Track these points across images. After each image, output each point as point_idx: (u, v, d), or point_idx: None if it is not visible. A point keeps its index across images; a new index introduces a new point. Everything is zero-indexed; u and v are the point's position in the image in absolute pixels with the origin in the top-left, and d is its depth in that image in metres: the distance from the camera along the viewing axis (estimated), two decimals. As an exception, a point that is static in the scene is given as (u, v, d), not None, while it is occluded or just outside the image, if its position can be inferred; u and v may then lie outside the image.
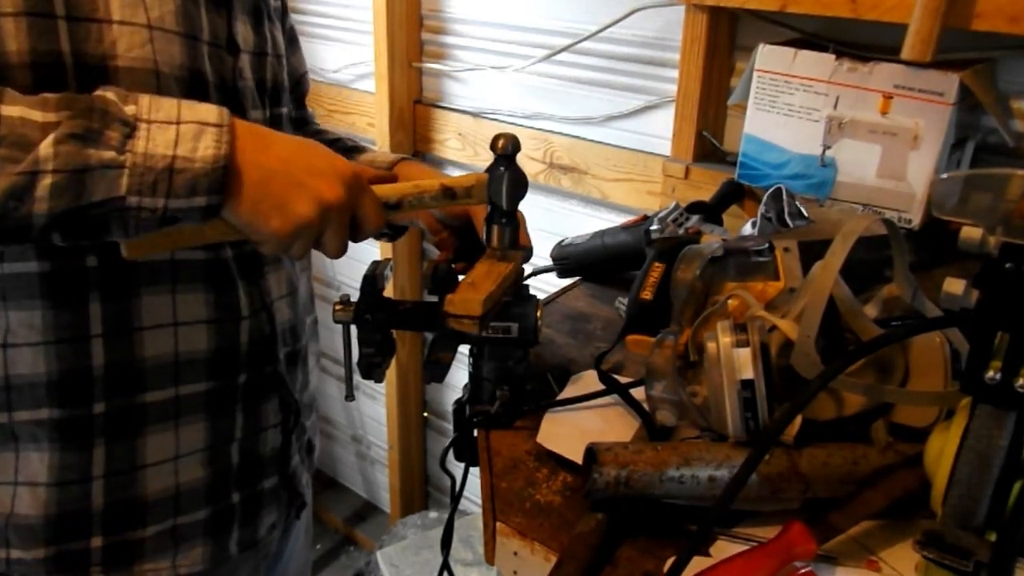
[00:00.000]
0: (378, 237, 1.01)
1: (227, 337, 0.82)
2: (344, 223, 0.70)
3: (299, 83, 1.02)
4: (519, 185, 0.79)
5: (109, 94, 0.63)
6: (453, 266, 0.86)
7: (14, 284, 0.72)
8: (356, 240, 0.73)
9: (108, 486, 0.79)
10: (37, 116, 0.60)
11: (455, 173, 1.92)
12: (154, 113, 0.63)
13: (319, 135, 1.01)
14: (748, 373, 0.69)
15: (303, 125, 1.05)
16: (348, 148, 1.01)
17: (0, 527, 0.79)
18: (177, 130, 0.63)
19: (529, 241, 0.89)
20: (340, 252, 0.72)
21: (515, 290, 0.84)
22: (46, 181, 0.59)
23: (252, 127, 0.68)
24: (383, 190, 0.75)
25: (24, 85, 0.65)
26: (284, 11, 0.94)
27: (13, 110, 0.59)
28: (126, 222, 0.63)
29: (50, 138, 0.59)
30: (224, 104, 0.76)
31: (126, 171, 0.61)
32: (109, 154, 0.61)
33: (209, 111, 0.65)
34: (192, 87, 0.74)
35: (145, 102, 0.63)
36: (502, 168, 0.78)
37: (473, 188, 0.78)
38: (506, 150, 0.78)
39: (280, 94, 0.88)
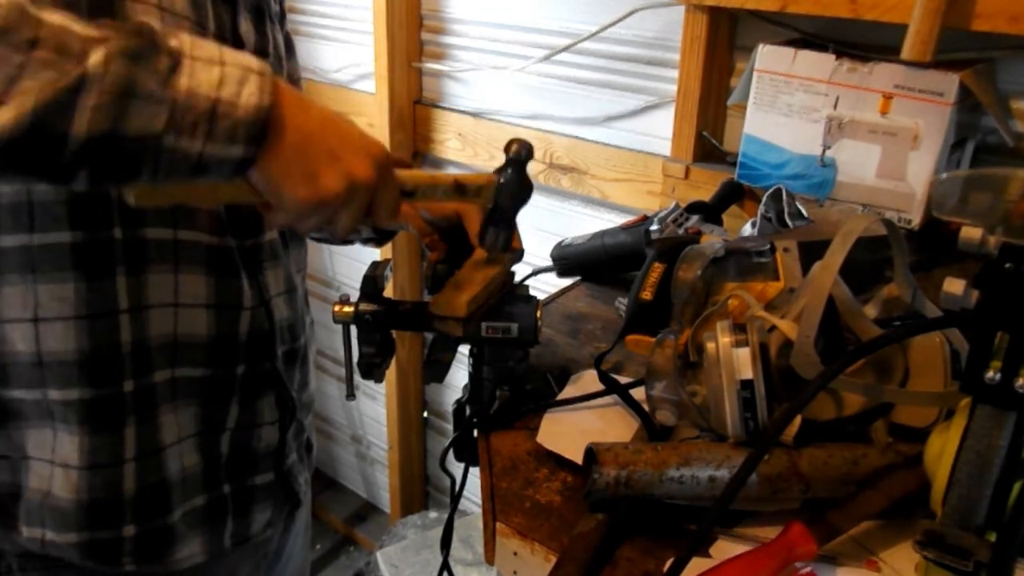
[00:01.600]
0: (364, 242, 1.01)
1: (227, 324, 0.82)
2: (364, 204, 0.67)
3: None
4: (524, 191, 0.79)
5: (153, 22, 0.60)
6: (439, 266, 0.86)
7: (44, 256, 0.71)
8: (367, 224, 0.71)
9: (139, 469, 0.78)
10: (78, 28, 0.55)
11: (455, 172, 1.93)
12: (197, 50, 0.59)
13: None
14: (747, 373, 0.69)
15: None
16: None
17: (37, 505, 0.78)
18: (222, 71, 0.59)
19: (520, 244, 0.88)
20: (348, 233, 0.70)
21: (503, 292, 0.84)
22: (91, 100, 0.54)
23: (290, 87, 0.65)
24: (402, 175, 0.74)
25: None
26: (283, 16, 0.94)
27: (54, 17, 0.55)
28: (157, 163, 0.58)
29: (101, 53, 0.55)
30: None
31: (167, 106, 0.57)
32: (154, 85, 0.56)
33: (250, 59, 0.61)
34: None
35: (186, 38, 0.59)
36: (511, 172, 0.78)
37: (483, 188, 0.77)
38: (519, 155, 0.78)
39: None
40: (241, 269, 0.82)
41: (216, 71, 0.59)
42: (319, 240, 1.05)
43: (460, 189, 0.77)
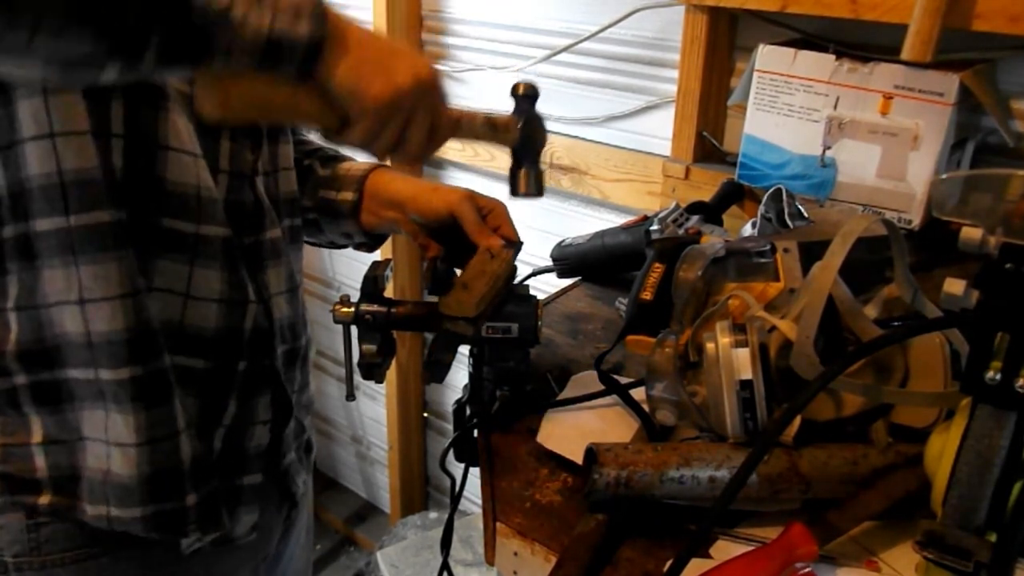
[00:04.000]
0: (356, 246, 1.01)
1: (233, 318, 0.82)
2: (431, 109, 0.69)
3: None
4: (542, 130, 0.81)
5: None
6: (439, 265, 0.86)
7: (84, 237, 0.71)
8: (435, 145, 0.72)
9: (192, 439, 0.79)
10: None
11: (456, 173, 1.93)
12: None
13: (300, 145, 1.01)
14: (747, 373, 0.69)
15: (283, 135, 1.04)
16: (328, 157, 1.00)
17: (99, 483, 0.79)
18: None
19: (518, 236, 0.90)
20: (422, 148, 0.71)
21: (508, 288, 0.84)
22: None
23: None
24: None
25: None
26: None
27: None
28: (228, 40, 0.58)
29: None
30: None
31: None
32: None
33: None
34: None
35: None
36: (529, 111, 0.80)
37: (507, 126, 0.80)
38: (528, 92, 0.80)
39: None
40: (240, 264, 0.82)
41: None
42: (315, 244, 1.05)
43: (491, 125, 0.79)
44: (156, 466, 0.78)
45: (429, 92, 0.69)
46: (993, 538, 0.55)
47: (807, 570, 0.62)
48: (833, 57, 1.12)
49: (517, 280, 0.89)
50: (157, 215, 0.74)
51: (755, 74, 1.19)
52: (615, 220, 1.40)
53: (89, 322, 0.74)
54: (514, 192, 0.83)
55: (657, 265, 0.95)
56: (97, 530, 0.80)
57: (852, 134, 1.13)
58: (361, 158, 0.98)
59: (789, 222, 1.06)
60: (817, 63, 1.13)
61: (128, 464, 0.77)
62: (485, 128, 0.78)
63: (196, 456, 0.80)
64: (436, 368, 0.83)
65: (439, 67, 0.71)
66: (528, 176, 0.82)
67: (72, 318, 0.73)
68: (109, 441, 0.77)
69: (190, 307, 0.79)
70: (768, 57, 1.17)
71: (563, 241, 1.25)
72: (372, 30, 0.68)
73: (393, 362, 0.94)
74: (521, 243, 0.90)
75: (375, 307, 0.83)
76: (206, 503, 0.82)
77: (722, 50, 1.35)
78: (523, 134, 0.80)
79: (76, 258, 0.72)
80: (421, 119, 0.69)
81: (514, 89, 0.81)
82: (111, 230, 0.72)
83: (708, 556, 0.67)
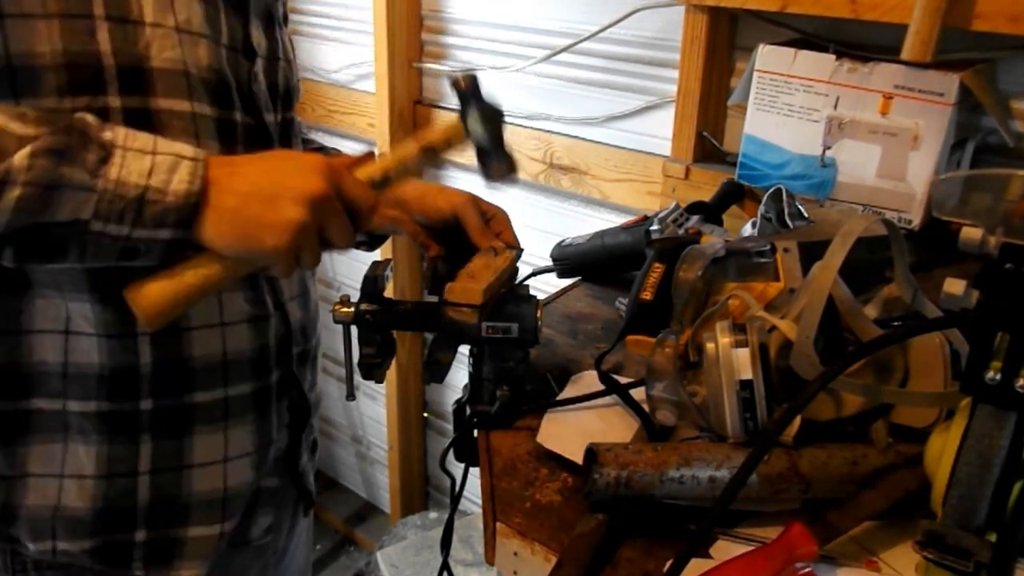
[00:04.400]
0: (357, 246, 1.01)
1: (262, 335, 0.83)
2: (339, 211, 0.68)
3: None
4: (493, 115, 0.77)
5: (89, 117, 0.63)
6: (439, 265, 0.86)
7: (65, 277, 0.72)
8: (360, 227, 0.71)
9: (154, 482, 0.79)
10: (16, 128, 0.59)
11: (456, 175, 1.93)
12: (130, 141, 0.63)
13: (306, 144, 1.01)
14: (747, 373, 0.69)
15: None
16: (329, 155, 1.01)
17: (47, 519, 0.79)
18: (153, 160, 0.62)
19: (518, 242, 0.90)
20: (349, 241, 0.70)
21: (510, 286, 0.84)
22: (14, 193, 0.58)
23: (221, 158, 0.68)
24: (365, 171, 0.74)
25: (58, 86, 0.65)
26: (285, 18, 0.95)
27: None
28: (84, 246, 0.63)
29: (27, 150, 0.59)
30: (242, 107, 0.76)
31: (96, 195, 0.61)
32: (82, 176, 0.60)
33: (185, 147, 0.65)
34: (218, 89, 0.74)
35: (122, 131, 0.63)
36: (472, 104, 0.76)
37: (451, 136, 0.76)
38: (469, 86, 0.76)
39: (291, 98, 0.88)
40: (260, 278, 0.82)
41: (147, 160, 0.62)
42: None
43: (430, 152, 0.76)
44: (111, 501, 0.78)
45: (327, 202, 0.67)
46: (993, 538, 0.55)
47: (807, 570, 0.62)
48: (833, 57, 1.12)
49: (517, 280, 0.89)
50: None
51: (755, 74, 1.19)
52: (615, 220, 1.40)
53: (69, 352, 0.74)
54: (487, 179, 0.80)
55: (657, 265, 0.95)
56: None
57: (852, 134, 1.13)
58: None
59: (789, 222, 1.06)
60: (817, 63, 1.13)
61: (84, 496, 0.78)
62: (424, 159, 0.75)
63: (155, 497, 0.80)
64: (436, 368, 0.83)
65: (326, 162, 0.69)
66: (498, 163, 0.78)
67: (53, 347, 0.74)
68: (64, 474, 0.77)
69: (228, 334, 0.79)
70: (768, 57, 1.17)
71: (563, 241, 1.25)
72: (252, 168, 0.67)
73: (393, 362, 0.94)
74: (522, 250, 0.90)
75: (375, 307, 0.83)
76: (155, 542, 0.81)
77: (722, 50, 1.35)
78: (478, 126, 0.76)
79: (62, 293, 0.73)
80: (336, 224, 0.68)
81: (454, 84, 0.77)
82: (83, 273, 0.72)
83: (708, 556, 0.67)
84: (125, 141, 0.63)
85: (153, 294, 0.66)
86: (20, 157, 0.58)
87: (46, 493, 0.78)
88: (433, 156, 0.76)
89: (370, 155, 0.77)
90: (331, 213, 0.67)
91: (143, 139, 0.64)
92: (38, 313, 0.74)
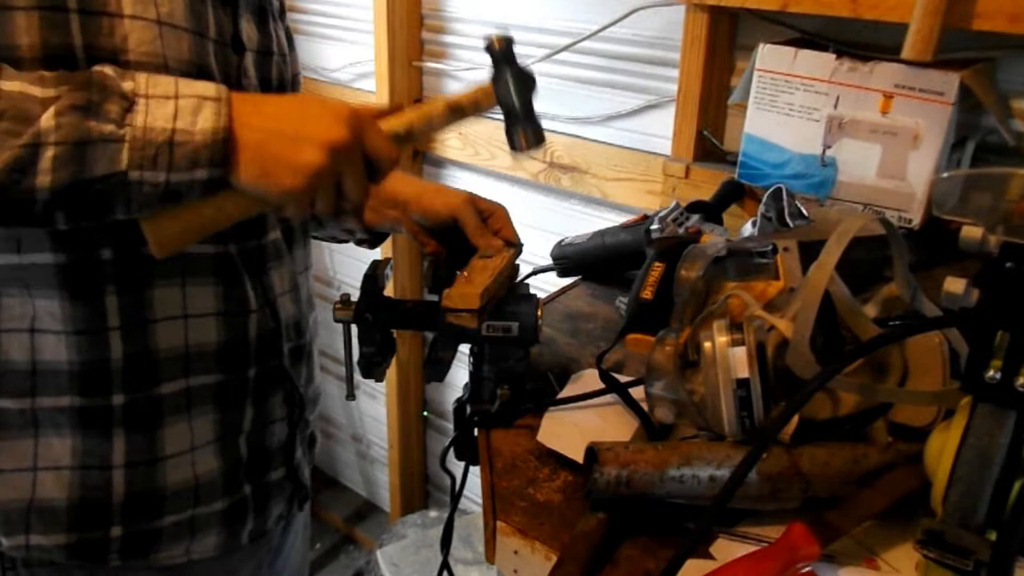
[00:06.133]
0: (358, 243, 1.01)
1: (236, 330, 0.82)
2: (357, 162, 0.69)
3: (293, 85, 1.03)
4: (526, 80, 0.76)
5: (108, 69, 0.63)
6: (439, 265, 0.86)
7: (34, 274, 0.73)
8: (375, 180, 0.72)
9: (128, 476, 0.79)
10: (36, 91, 0.60)
11: (456, 174, 1.93)
12: (152, 88, 0.64)
13: None
14: (743, 372, 0.69)
15: None
16: None
17: (21, 512, 0.78)
18: (176, 104, 0.63)
19: (518, 237, 0.89)
20: (363, 195, 0.71)
21: (509, 285, 0.84)
22: (48, 153, 0.60)
23: (244, 95, 0.69)
24: (389, 123, 0.73)
25: None
26: (282, 12, 0.94)
27: (13, 85, 0.60)
28: (129, 198, 0.63)
29: (51, 110, 0.60)
30: None
31: (126, 145, 0.62)
32: (109, 127, 0.61)
33: (207, 87, 0.65)
34: None
35: (143, 78, 0.64)
36: (506, 68, 0.75)
37: (480, 99, 0.76)
38: (503, 47, 0.76)
39: (286, 92, 0.88)
40: (244, 274, 0.82)
41: (171, 105, 0.63)
42: (320, 238, 1.05)
43: (457, 111, 0.75)
44: (87, 492, 0.78)
45: (347, 150, 0.67)
46: (993, 536, 0.55)
47: (807, 569, 0.62)
48: (833, 56, 1.12)
49: (518, 279, 0.89)
50: (134, 245, 0.73)
51: (755, 73, 1.19)
52: (615, 219, 1.40)
53: (36, 351, 0.74)
54: (514, 148, 0.79)
55: (657, 264, 0.95)
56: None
57: (852, 133, 1.13)
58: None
59: (789, 221, 1.06)
60: (817, 62, 1.13)
61: (60, 486, 0.77)
62: (449, 117, 0.74)
63: (129, 492, 0.80)
64: (436, 367, 0.83)
65: (351, 110, 0.69)
66: (525, 130, 0.78)
67: (20, 346, 0.75)
68: (38, 467, 0.77)
69: (191, 326, 0.79)
70: (768, 56, 1.17)
71: (563, 240, 1.25)
72: (277, 108, 0.68)
73: (393, 361, 0.94)
74: (521, 245, 0.90)
75: (375, 306, 0.83)
76: (131, 536, 0.81)
77: (723, 49, 1.35)
78: (509, 91, 0.75)
79: (30, 291, 0.73)
80: (352, 173, 0.69)
81: (488, 46, 0.76)
82: (54, 271, 0.72)
83: (709, 555, 0.67)
84: (147, 88, 0.64)
85: (168, 222, 0.67)
86: (47, 119, 0.60)
87: (18, 487, 0.78)
88: (460, 116, 0.75)
89: (399, 107, 0.77)
90: (350, 162, 0.68)
91: (164, 84, 0.64)
92: (3, 312, 0.74)
